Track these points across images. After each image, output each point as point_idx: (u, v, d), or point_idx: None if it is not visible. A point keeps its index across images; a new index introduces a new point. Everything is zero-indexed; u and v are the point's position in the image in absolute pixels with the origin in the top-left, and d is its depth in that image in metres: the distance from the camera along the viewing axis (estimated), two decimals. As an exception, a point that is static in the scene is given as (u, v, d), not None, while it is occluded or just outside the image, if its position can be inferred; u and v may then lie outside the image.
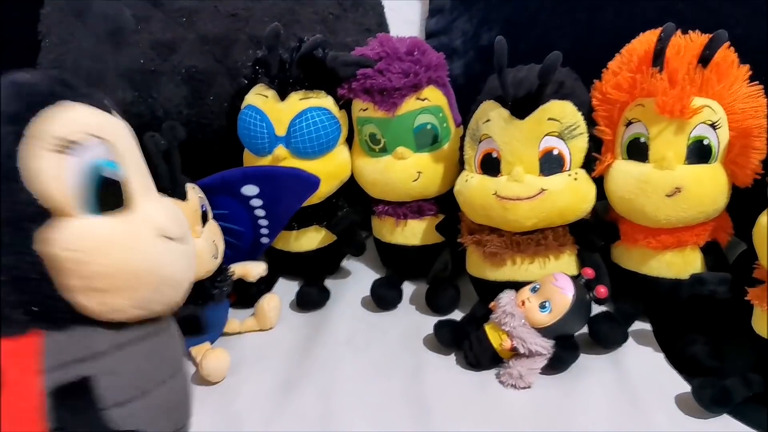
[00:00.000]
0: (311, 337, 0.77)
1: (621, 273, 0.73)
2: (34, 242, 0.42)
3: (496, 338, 0.67)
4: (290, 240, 0.87)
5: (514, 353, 0.67)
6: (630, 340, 0.71)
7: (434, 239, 0.82)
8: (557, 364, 0.66)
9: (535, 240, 0.71)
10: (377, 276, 0.88)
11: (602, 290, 0.67)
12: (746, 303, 0.60)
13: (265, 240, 0.84)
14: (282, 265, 0.89)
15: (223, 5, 0.91)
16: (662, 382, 0.65)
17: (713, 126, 0.65)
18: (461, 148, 0.74)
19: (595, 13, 0.83)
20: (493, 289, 0.72)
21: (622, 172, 0.68)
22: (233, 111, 0.85)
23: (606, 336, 0.69)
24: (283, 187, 0.79)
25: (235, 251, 0.81)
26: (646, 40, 0.68)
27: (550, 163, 0.69)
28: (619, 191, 0.68)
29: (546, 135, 0.68)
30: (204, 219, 0.74)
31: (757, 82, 0.65)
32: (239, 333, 0.78)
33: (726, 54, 0.65)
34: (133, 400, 0.46)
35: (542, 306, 0.66)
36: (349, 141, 0.85)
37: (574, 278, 0.68)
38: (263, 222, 0.82)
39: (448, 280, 0.81)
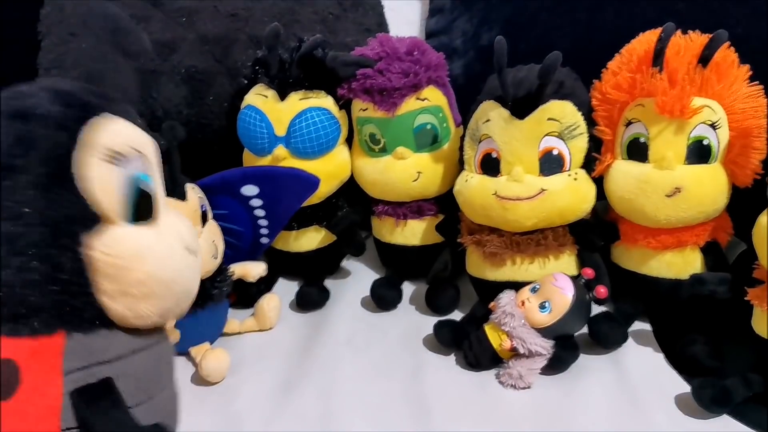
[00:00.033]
0: (311, 337, 0.77)
1: (621, 273, 0.73)
2: (81, 245, 0.44)
3: (495, 338, 0.67)
4: (290, 240, 0.87)
5: (514, 353, 0.67)
6: (630, 340, 0.71)
7: (434, 239, 0.82)
8: (557, 364, 0.66)
9: (534, 240, 0.71)
10: (377, 276, 0.88)
11: (602, 290, 0.67)
12: (746, 303, 0.60)
13: (264, 240, 0.84)
14: (282, 265, 0.89)
15: (223, 5, 0.92)
16: (662, 382, 0.65)
17: (713, 126, 0.65)
18: (461, 148, 0.74)
19: (595, 13, 0.83)
20: (493, 289, 0.72)
21: (622, 172, 0.68)
22: (233, 111, 0.85)
23: (606, 336, 0.69)
24: (282, 187, 0.79)
25: (234, 251, 0.81)
26: (646, 40, 0.68)
27: (550, 163, 0.69)
28: (619, 191, 0.68)
29: (546, 135, 0.68)
30: (204, 219, 0.74)
31: (757, 82, 0.65)
32: (239, 333, 0.78)
33: (726, 54, 0.65)
34: (141, 404, 0.47)
35: (542, 306, 0.66)
36: (349, 141, 0.85)
37: (574, 278, 0.68)
38: (263, 222, 0.82)
39: (447, 280, 0.81)
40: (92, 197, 0.44)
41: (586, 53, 0.75)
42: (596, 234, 0.72)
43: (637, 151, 0.67)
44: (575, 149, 0.69)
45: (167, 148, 0.69)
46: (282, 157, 0.79)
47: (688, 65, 0.64)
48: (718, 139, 0.65)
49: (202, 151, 0.89)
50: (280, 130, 0.79)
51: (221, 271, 0.75)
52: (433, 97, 0.78)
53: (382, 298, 0.82)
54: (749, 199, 0.63)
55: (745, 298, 0.60)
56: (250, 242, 0.84)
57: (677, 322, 0.71)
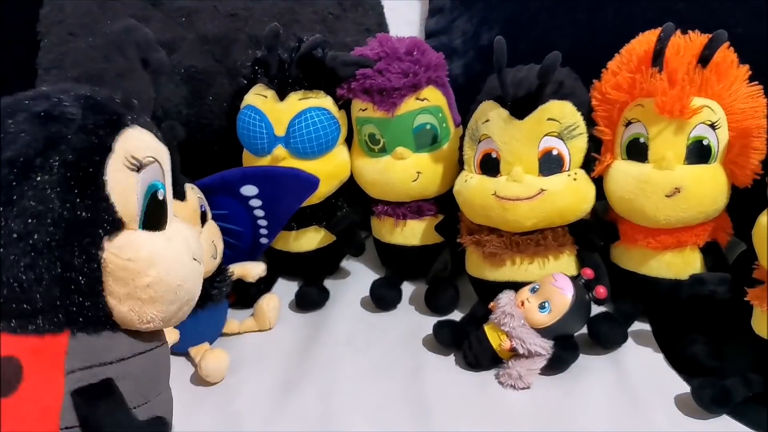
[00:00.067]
0: (311, 338, 0.77)
1: (620, 273, 0.73)
2: (99, 248, 0.45)
3: (495, 338, 0.67)
4: (289, 240, 0.86)
5: (514, 353, 0.67)
6: (630, 340, 0.71)
7: (434, 239, 0.82)
8: (557, 364, 0.66)
9: (534, 240, 0.71)
10: (377, 276, 0.88)
11: (602, 290, 0.67)
12: (746, 303, 0.60)
13: (264, 240, 0.84)
14: (281, 265, 0.89)
15: (223, 5, 0.92)
16: (662, 382, 0.65)
17: (713, 126, 0.65)
18: (461, 148, 0.74)
19: (595, 13, 0.83)
20: (493, 289, 0.72)
21: (622, 173, 0.68)
22: (233, 111, 0.85)
23: (606, 336, 0.69)
24: (282, 187, 0.79)
25: (234, 251, 0.81)
26: (646, 40, 0.68)
27: (550, 164, 0.68)
28: (619, 191, 0.68)
29: (545, 135, 0.68)
30: (203, 219, 0.74)
31: (756, 82, 0.65)
32: (238, 333, 0.78)
33: (726, 54, 0.65)
34: (139, 406, 0.48)
35: (542, 306, 0.66)
36: (349, 141, 0.85)
37: (574, 278, 0.68)
38: (262, 222, 0.82)
39: (447, 281, 0.81)
40: (118, 202, 0.45)
41: (586, 53, 0.74)
42: (596, 234, 0.72)
43: (637, 151, 0.67)
44: (575, 149, 0.69)
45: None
46: (281, 157, 0.79)
47: (688, 65, 0.64)
48: (718, 139, 0.65)
49: (201, 151, 0.89)
50: (280, 130, 0.79)
51: (221, 271, 0.75)
52: (433, 97, 0.78)
53: (382, 298, 0.82)
54: (749, 199, 0.63)
55: (745, 299, 0.60)
56: (249, 242, 0.84)
57: (677, 322, 0.70)
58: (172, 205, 0.51)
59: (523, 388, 0.65)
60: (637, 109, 0.67)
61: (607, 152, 0.70)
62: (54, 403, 0.43)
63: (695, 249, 0.69)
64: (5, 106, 0.46)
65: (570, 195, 0.69)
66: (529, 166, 0.68)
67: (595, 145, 0.70)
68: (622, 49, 0.70)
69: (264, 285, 0.85)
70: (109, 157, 0.45)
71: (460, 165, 0.74)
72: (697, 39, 0.65)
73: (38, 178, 0.43)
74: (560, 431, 0.60)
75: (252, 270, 0.79)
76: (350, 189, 0.86)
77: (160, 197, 0.49)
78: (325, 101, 0.80)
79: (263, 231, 0.83)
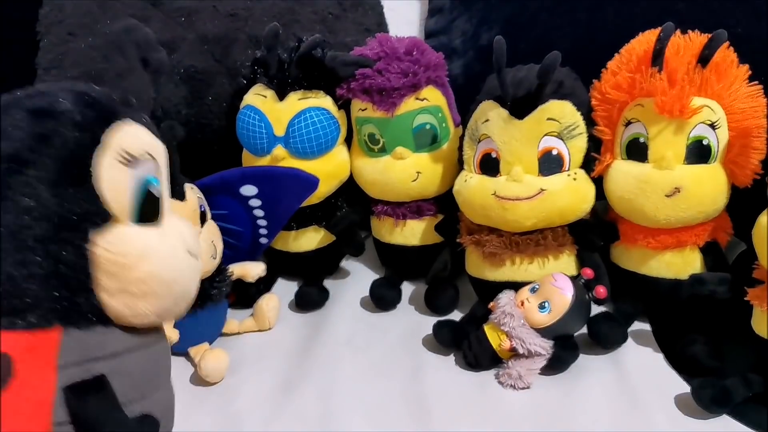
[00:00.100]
0: (311, 338, 0.77)
1: (620, 273, 0.73)
2: (88, 242, 0.44)
3: (495, 338, 0.67)
4: (289, 240, 0.86)
5: (514, 353, 0.67)
6: (630, 340, 0.71)
7: (433, 239, 0.82)
8: (557, 364, 0.66)
9: (534, 240, 0.71)
10: (376, 276, 0.88)
11: (602, 290, 0.67)
12: (746, 303, 0.60)
13: (264, 240, 0.84)
14: (281, 265, 0.89)
15: (223, 5, 0.92)
16: (662, 382, 0.65)
17: (713, 126, 0.65)
18: (460, 148, 0.74)
19: (595, 13, 0.83)
20: (493, 289, 0.72)
21: (622, 172, 0.68)
22: (232, 111, 0.85)
23: (606, 336, 0.69)
24: (282, 187, 0.79)
25: (234, 251, 0.81)
26: (646, 39, 0.68)
27: (550, 163, 0.68)
28: (619, 191, 0.68)
29: (545, 135, 0.68)
30: (202, 219, 0.74)
31: (756, 82, 0.65)
32: (238, 333, 0.78)
33: (725, 54, 0.65)
34: (134, 402, 0.47)
35: (541, 306, 0.66)
36: (348, 141, 0.85)
37: (574, 278, 0.68)
38: (262, 222, 0.82)
39: (447, 281, 0.81)
40: (105, 196, 0.45)
41: (586, 53, 0.74)
42: (596, 234, 0.72)
43: (637, 151, 0.67)
44: (575, 149, 0.69)
45: (166, 148, 0.69)
46: (281, 157, 0.79)
47: (688, 65, 0.64)
48: (718, 139, 0.65)
49: (201, 151, 0.89)
50: (279, 130, 0.79)
51: (220, 271, 0.75)
52: (433, 97, 0.78)
53: (382, 298, 0.82)
54: (749, 199, 0.63)
55: (745, 298, 0.60)
56: (249, 242, 0.83)
57: (677, 322, 0.70)
58: (169, 201, 0.52)
59: (523, 388, 0.65)
60: (636, 108, 0.67)
61: (606, 152, 0.70)
62: (46, 398, 0.43)
63: (695, 249, 0.69)
64: (3, 103, 0.46)
65: (570, 195, 0.69)
66: (528, 166, 0.68)
67: (594, 144, 0.70)
68: (622, 48, 0.70)
69: (264, 285, 0.85)
70: (100, 152, 0.45)
71: (460, 165, 0.74)
72: (697, 39, 0.65)
73: (30, 173, 0.43)
74: (560, 431, 0.60)
75: (252, 270, 0.79)
76: (350, 189, 0.86)
77: (155, 193, 0.48)
78: (325, 101, 0.80)
79: (263, 231, 0.83)
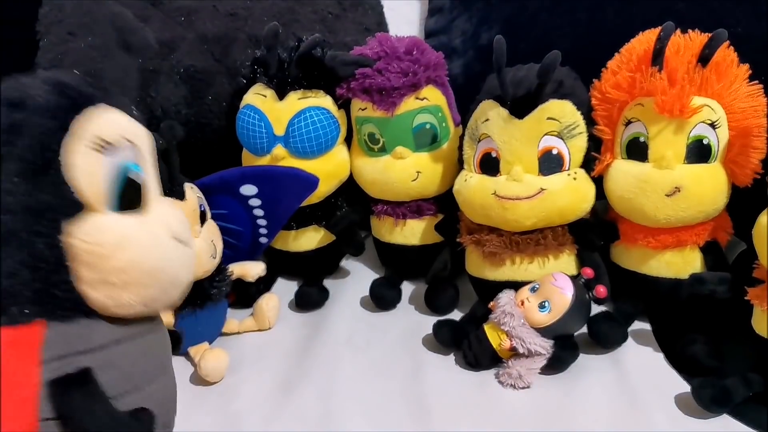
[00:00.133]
0: (310, 337, 0.76)
1: (620, 273, 0.73)
2: (62, 233, 0.44)
3: (495, 338, 0.67)
4: (289, 240, 0.86)
5: (514, 353, 0.67)
6: (630, 340, 0.71)
7: (433, 239, 0.82)
8: (557, 363, 0.66)
9: (534, 240, 0.71)
10: (376, 276, 0.88)
11: (602, 290, 0.67)
12: (746, 303, 0.60)
13: (263, 240, 0.84)
14: (281, 264, 0.89)
15: (222, 5, 0.91)
16: (662, 382, 0.65)
17: (713, 125, 0.65)
18: (460, 148, 0.74)
19: (595, 13, 0.83)
20: (493, 288, 0.72)
21: (622, 172, 0.68)
22: (232, 110, 0.85)
23: (606, 336, 0.69)
24: (281, 186, 0.79)
25: (233, 251, 0.81)
26: (646, 39, 0.68)
27: (550, 163, 0.68)
28: (619, 191, 0.68)
29: (545, 134, 0.68)
30: (202, 219, 0.74)
31: (756, 82, 0.65)
32: (238, 333, 0.78)
33: (725, 53, 0.65)
34: (125, 394, 0.47)
35: (541, 306, 0.66)
36: (348, 140, 0.85)
37: (574, 278, 0.68)
38: (262, 222, 0.82)
39: (447, 280, 0.80)
40: (76, 185, 0.44)
41: (586, 53, 0.74)
42: (596, 233, 0.72)
43: (637, 150, 0.67)
44: (575, 149, 0.69)
45: (166, 148, 0.69)
46: (281, 156, 0.79)
47: (688, 64, 0.64)
48: (718, 139, 0.65)
49: (201, 150, 0.89)
50: (279, 130, 0.79)
51: (220, 270, 0.75)
52: (433, 96, 0.78)
53: (382, 297, 0.82)
54: (749, 198, 0.63)
55: (745, 298, 0.60)
56: (249, 242, 0.83)
57: (677, 321, 0.70)
58: (157, 188, 0.50)
59: (523, 388, 0.65)
60: (636, 108, 0.67)
61: (606, 151, 0.70)
62: (30, 394, 0.42)
63: (695, 248, 0.69)
64: None
65: (570, 194, 0.68)
66: (528, 166, 0.68)
67: (594, 144, 0.70)
68: (622, 48, 0.70)
69: (263, 285, 0.85)
70: (70, 139, 0.44)
71: (460, 164, 0.74)
72: (697, 38, 0.65)
73: (8, 167, 0.43)
74: (560, 431, 0.60)
75: (251, 269, 0.79)
76: (350, 188, 0.86)
77: (135, 179, 0.47)
78: (325, 101, 0.80)
79: (263, 230, 0.83)
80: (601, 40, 0.78)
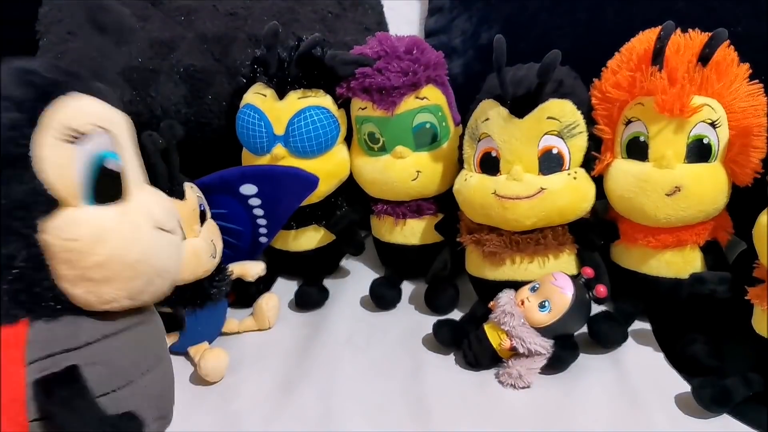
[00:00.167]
0: (310, 337, 0.76)
1: (621, 272, 0.73)
2: (38, 231, 0.42)
3: (495, 338, 0.67)
4: (289, 239, 0.86)
5: (514, 353, 0.67)
6: (630, 339, 0.71)
7: (433, 238, 0.82)
8: (557, 363, 0.66)
9: (534, 239, 0.70)
10: (376, 275, 0.88)
11: (602, 290, 0.67)
12: (746, 302, 0.60)
13: (263, 239, 0.84)
14: (281, 264, 0.89)
15: (222, 4, 0.91)
16: (662, 381, 0.65)
17: (713, 125, 0.65)
18: (460, 147, 0.74)
19: (595, 13, 0.83)
20: (493, 288, 0.72)
21: (622, 171, 0.68)
22: (232, 110, 0.85)
23: (606, 336, 0.69)
24: (281, 186, 0.79)
25: (233, 251, 0.80)
26: (646, 38, 0.68)
27: (550, 162, 0.68)
28: (619, 190, 0.68)
29: (545, 134, 0.68)
30: (202, 218, 0.74)
31: (757, 81, 0.65)
32: (238, 333, 0.78)
33: (726, 52, 0.65)
34: (118, 389, 0.46)
35: (541, 305, 0.66)
36: (348, 140, 0.85)
37: (574, 278, 0.68)
38: (262, 221, 0.82)
39: (447, 280, 0.80)
40: (47, 179, 0.42)
41: (586, 53, 0.74)
42: (596, 233, 0.72)
43: (637, 149, 0.67)
44: (575, 148, 0.69)
45: (166, 147, 0.69)
46: (281, 156, 0.79)
47: (688, 64, 0.64)
48: (718, 138, 0.65)
49: (200, 150, 0.89)
50: (279, 129, 0.79)
51: (220, 270, 0.75)
52: (432, 96, 0.77)
53: (382, 297, 0.81)
54: (749, 198, 0.63)
55: (745, 298, 0.60)
56: (249, 241, 0.83)
57: (677, 321, 0.70)
58: (139, 175, 0.48)
59: (523, 388, 0.65)
60: (637, 107, 0.67)
61: (607, 151, 0.70)
62: (18, 395, 0.42)
63: (695, 248, 0.68)
64: None
65: (570, 194, 0.68)
66: (528, 165, 0.68)
67: (595, 143, 0.70)
68: (622, 47, 0.70)
69: (263, 284, 0.85)
70: (38, 132, 0.42)
71: (460, 164, 0.74)
72: (697, 38, 0.65)
73: None
74: (560, 431, 0.60)
75: (251, 269, 0.79)
76: (350, 188, 0.85)
77: (112, 168, 0.45)
78: (325, 100, 0.80)
79: (263, 230, 0.83)
80: (601, 40, 0.78)
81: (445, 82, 0.79)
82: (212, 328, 0.76)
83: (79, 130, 0.43)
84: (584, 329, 0.69)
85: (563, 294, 0.66)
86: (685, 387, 0.63)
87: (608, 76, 0.69)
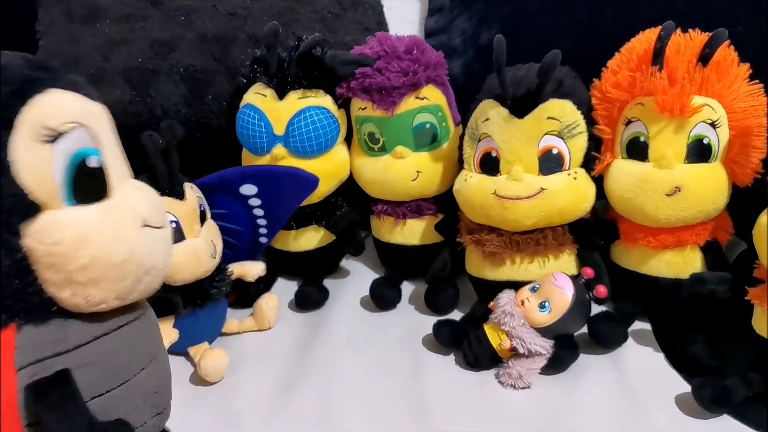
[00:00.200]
0: (310, 337, 0.76)
1: (621, 272, 0.73)
2: (20, 237, 0.41)
3: (495, 338, 0.67)
4: (289, 240, 0.86)
5: (514, 353, 0.67)
6: (630, 340, 0.71)
7: (433, 239, 0.82)
8: (557, 363, 0.66)
9: (534, 239, 0.70)
10: (376, 276, 0.88)
11: (602, 290, 0.67)
12: (746, 302, 0.60)
13: (263, 240, 0.84)
14: (281, 264, 0.89)
15: (222, 4, 0.91)
16: (662, 382, 0.65)
17: (713, 125, 0.65)
18: (460, 147, 0.74)
19: (595, 13, 0.83)
20: (493, 288, 0.72)
21: (622, 171, 0.68)
22: (232, 110, 0.85)
23: (606, 336, 0.69)
24: (281, 186, 0.79)
25: (233, 251, 0.80)
26: (646, 38, 0.68)
27: (550, 162, 0.68)
28: (619, 190, 0.68)
29: (545, 134, 0.68)
30: (202, 218, 0.74)
31: (757, 81, 0.65)
32: (238, 333, 0.78)
33: (726, 52, 0.65)
34: (112, 390, 0.45)
35: (542, 306, 0.66)
36: (348, 140, 0.85)
37: (574, 278, 0.68)
38: (262, 221, 0.82)
39: (447, 280, 0.80)
40: (29, 183, 0.40)
41: (586, 53, 0.74)
42: (596, 233, 0.72)
43: (637, 150, 0.67)
44: (575, 148, 0.69)
45: (166, 147, 0.69)
46: (281, 156, 0.79)
47: (688, 64, 0.64)
48: (719, 138, 0.65)
49: (200, 150, 0.89)
50: (279, 129, 0.79)
51: (220, 270, 0.75)
52: (433, 96, 0.77)
53: (382, 297, 0.81)
54: (749, 198, 0.63)
55: (746, 298, 0.60)
56: (249, 242, 0.83)
57: (677, 321, 0.70)
58: (122, 170, 0.46)
59: (523, 388, 0.65)
60: (637, 107, 0.67)
61: (607, 151, 0.70)
62: (10, 401, 0.41)
63: (695, 248, 0.68)
64: None
65: (570, 194, 0.68)
66: (529, 165, 0.68)
67: (595, 143, 0.70)
68: (622, 47, 0.70)
69: (263, 284, 0.85)
70: (13, 135, 0.40)
71: (460, 164, 0.74)
72: (698, 38, 0.65)
73: None
74: (560, 431, 0.60)
75: (251, 269, 0.79)
76: (350, 188, 0.85)
77: (93, 165, 0.43)
78: (325, 100, 0.80)
79: (262, 230, 0.83)
80: (601, 40, 0.78)
81: (445, 82, 0.79)
82: (212, 329, 0.76)
83: (54, 128, 0.41)
84: (584, 329, 0.69)
85: (563, 294, 0.66)
86: (685, 387, 0.63)
87: (608, 76, 0.69)
